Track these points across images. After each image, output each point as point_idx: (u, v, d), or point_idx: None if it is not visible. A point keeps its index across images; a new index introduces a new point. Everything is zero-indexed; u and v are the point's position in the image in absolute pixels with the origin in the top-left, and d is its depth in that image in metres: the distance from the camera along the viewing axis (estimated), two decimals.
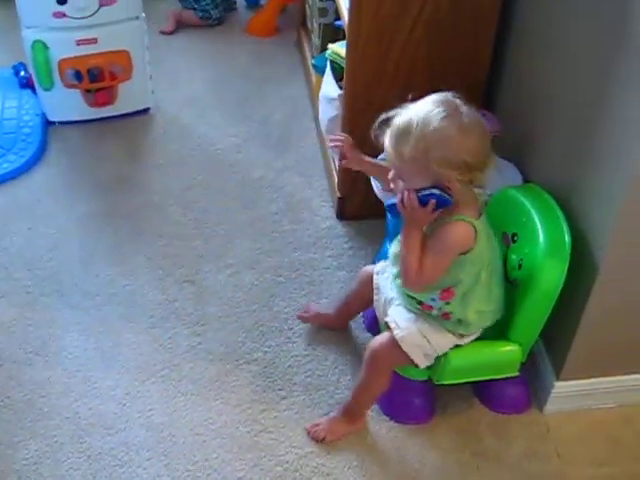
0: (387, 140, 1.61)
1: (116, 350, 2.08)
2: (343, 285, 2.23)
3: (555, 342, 1.91)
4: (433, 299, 1.74)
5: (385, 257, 1.96)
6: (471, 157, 1.56)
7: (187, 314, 2.17)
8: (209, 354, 2.07)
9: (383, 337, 1.81)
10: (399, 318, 1.80)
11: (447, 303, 1.73)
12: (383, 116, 1.65)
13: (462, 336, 1.79)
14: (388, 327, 1.80)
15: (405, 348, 1.76)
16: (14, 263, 2.31)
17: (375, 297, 1.91)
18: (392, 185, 1.66)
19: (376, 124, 1.66)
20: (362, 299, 2.01)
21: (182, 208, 2.49)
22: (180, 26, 3.36)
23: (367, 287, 1.95)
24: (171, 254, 2.34)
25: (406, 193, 1.60)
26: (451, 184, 1.57)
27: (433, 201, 1.59)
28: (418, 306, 1.78)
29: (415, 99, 1.65)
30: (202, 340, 2.11)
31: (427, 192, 1.59)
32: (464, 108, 1.60)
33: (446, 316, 1.76)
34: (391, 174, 1.65)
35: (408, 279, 1.69)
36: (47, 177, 2.60)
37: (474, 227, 1.65)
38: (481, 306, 1.74)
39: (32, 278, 2.26)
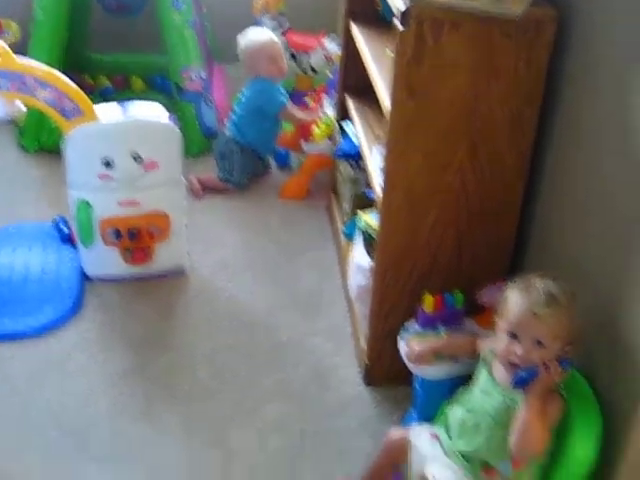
0: (548, 310, 1.73)
1: None
2: (370, 451, 2.22)
3: None
4: (505, 466, 1.78)
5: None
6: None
7: (214, 476, 2.17)
8: None
9: None
10: (441, 475, 1.82)
11: (517, 473, 1.78)
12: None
13: None
14: None
15: None
16: (43, 417, 2.33)
17: (411, 458, 1.91)
18: (518, 358, 1.76)
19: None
20: (389, 463, 2.01)
21: (211, 369, 2.52)
22: (207, 189, 3.50)
23: (393, 451, 1.97)
24: (199, 415, 2.36)
25: (552, 362, 1.73)
26: (571, 349, 1.77)
27: (569, 369, 1.76)
28: (479, 471, 1.81)
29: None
30: None
31: (566, 360, 1.75)
32: None
33: None
34: (524, 347, 1.75)
35: (536, 449, 1.73)
36: (81, 332, 2.66)
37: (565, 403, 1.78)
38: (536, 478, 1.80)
39: (60, 433, 2.28)
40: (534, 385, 1.73)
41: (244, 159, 3.48)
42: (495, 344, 1.84)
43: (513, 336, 1.77)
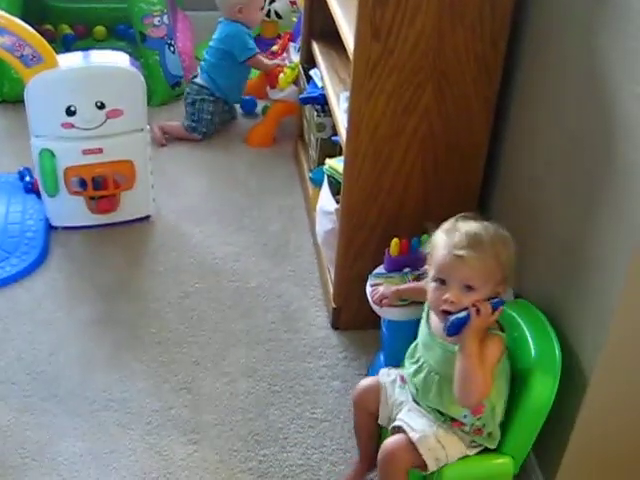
0: (471, 251, 1.67)
1: (112, 457, 2.09)
2: (337, 395, 2.26)
3: (547, 454, 1.93)
4: (465, 415, 1.76)
5: (378, 368, 2.01)
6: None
7: (183, 421, 2.19)
8: (204, 462, 2.09)
9: (397, 439, 1.80)
10: (412, 422, 1.81)
11: (479, 418, 1.76)
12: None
13: (474, 447, 1.81)
14: (397, 431, 1.81)
15: (421, 450, 1.76)
16: (13, 367, 2.33)
17: (382, 399, 1.91)
18: (448, 304, 1.69)
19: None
20: (366, 414, 1.96)
21: (179, 316, 2.53)
22: (169, 136, 3.47)
23: (365, 400, 1.94)
24: (168, 361, 2.37)
25: (482, 303, 1.67)
26: (503, 288, 1.72)
27: (502, 308, 1.71)
28: (450, 422, 1.80)
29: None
30: (198, 448, 2.12)
31: (497, 299, 1.70)
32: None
33: (478, 432, 1.78)
34: (453, 292, 1.69)
35: (480, 394, 1.69)
36: (48, 281, 2.65)
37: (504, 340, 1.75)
38: (502, 417, 1.79)
39: (30, 382, 2.28)
40: (466, 330, 1.68)
41: (215, 108, 3.45)
42: (428, 295, 1.77)
43: (442, 282, 1.71)
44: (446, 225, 1.76)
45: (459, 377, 1.69)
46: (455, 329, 1.68)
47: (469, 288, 1.69)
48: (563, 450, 1.85)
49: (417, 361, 1.84)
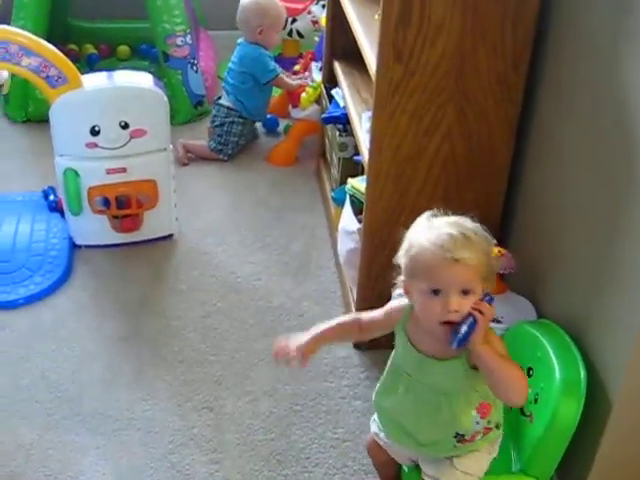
0: (466, 252, 1.53)
1: (134, 476, 2.10)
2: (359, 415, 2.26)
3: (571, 476, 1.91)
4: (477, 422, 1.69)
5: None
6: None
7: (205, 441, 2.19)
8: None
9: None
10: (435, 471, 1.77)
11: (488, 420, 1.70)
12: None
13: (492, 447, 1.78)
14: None
15: None
16: (37, 385, 2.35)
17: (389, 450, 1.89)
18: (454, 314, 1.55)
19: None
20: (384, 463, 1.95)
21: (202, 334, 2.54)
22: (193, 155, 3.49)
23: (378, 453, 1.93)
24: (190, 380, 2.38)
25: (482, 304, 1.56)
26: (490, 283, 1.61)
27: (494, 304, 1.60)
28: (458, 444, 1.72)
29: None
30: (219, 468, 2.12)
31: (488, 296, 1.59)
32: None
33: (487, 430, 1.72)
34: (454, 299, 1.54)
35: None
36: (72, 299, 2.67)
37: None
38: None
39: (53, 400, 2.30)
40: (477, 334, 1.55)
41: (242, 130, 3.47)
42: (421, 311, 1.61)
43: (435, 293, 1.56)
44: (422, 229, 1.61)
45: (498, 384, 1.60)
46: (464, 339, 1.56)
47: (465, 292, 1.55)
48: (587, 472, 1.83)
49: (406, 391, 1.72)
